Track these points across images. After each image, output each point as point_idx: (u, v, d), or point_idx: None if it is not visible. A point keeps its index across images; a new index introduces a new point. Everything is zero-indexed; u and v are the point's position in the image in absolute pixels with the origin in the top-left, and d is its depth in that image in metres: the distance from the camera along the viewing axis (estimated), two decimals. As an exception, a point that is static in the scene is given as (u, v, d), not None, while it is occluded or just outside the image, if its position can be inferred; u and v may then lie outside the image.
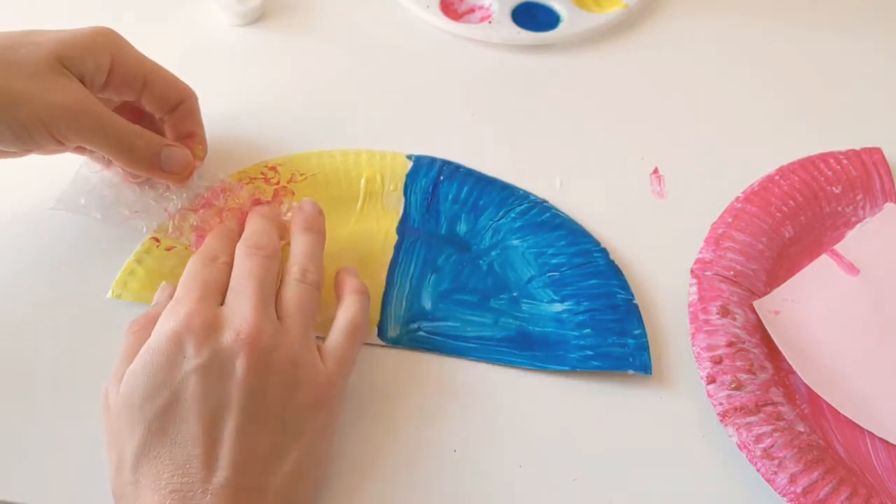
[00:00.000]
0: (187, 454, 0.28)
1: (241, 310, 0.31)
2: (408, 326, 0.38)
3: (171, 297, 0.34)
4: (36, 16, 0.53)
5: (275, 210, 0.38)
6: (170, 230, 0.39)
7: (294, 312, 0.33)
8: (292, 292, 0.33)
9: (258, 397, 0.30)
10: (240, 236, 0.36)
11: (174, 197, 0.39)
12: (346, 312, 0.35)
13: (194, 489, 0.28)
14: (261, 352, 0.30)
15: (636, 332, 0.38)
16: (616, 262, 0.40)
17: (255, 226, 0.36)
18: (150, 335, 0.31)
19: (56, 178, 0.40)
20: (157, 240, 0.39)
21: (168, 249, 0.39)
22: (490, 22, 0.52)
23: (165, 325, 0.31)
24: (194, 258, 0.34)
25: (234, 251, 0.35)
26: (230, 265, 0.34)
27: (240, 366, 0.30)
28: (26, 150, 0.36)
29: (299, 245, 0.36)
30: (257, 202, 0.39)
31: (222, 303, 0.32)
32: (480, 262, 0.41)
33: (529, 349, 0.38)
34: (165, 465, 0.28)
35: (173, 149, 0.37)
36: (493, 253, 0.41)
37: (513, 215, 0.42)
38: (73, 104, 0.34)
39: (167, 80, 0.38)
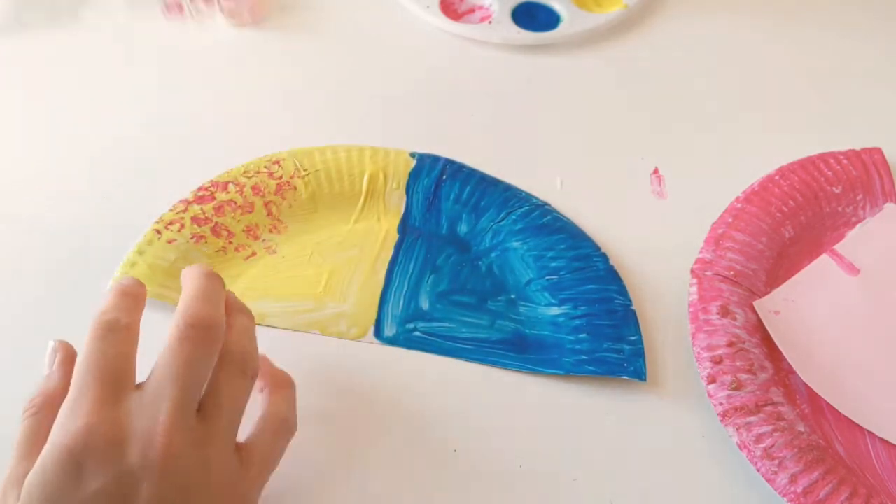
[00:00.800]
0: None
1: (155, 418, 0.27)
2: (404, 326, 0.38)
3: (62, 369, 0.30)
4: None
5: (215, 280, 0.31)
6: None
7: (227, 411, 0.28)
8: (231, 387, 0.29)
9: None
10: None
11: None
12: (274, 407, 0.31)
13: None
14: (169, 477, 0.26)
15: (632, 338, 0.38)
16: (616, 267, 0.40)
17: (199, 286, 0.30)
18: (48, 422, 0.28)
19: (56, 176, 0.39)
20: (158, 231, 0.39)
21: (170, 242, 0.39)
22: (490, 22, 0.52)
23: (61, 438, 0.26)
24: (92, 326, 0.29)
25: (138, 314, 0.30)
26: (134, 331, 0.29)
27: (146, 492, 0.26)
28: None
29: (238, 327, 0.31)
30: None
31: (132, 383, 0.28)
32: (480, 263, 0.41)
33: (524, 352, 0.38)
34: None
35: None
36: (493, 254, 0.41)
37: (514, 217, 0.42)
38: None
39: None
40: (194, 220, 0.40)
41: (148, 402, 0.27)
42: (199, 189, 0.41)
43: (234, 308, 0.32)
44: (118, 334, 0.28)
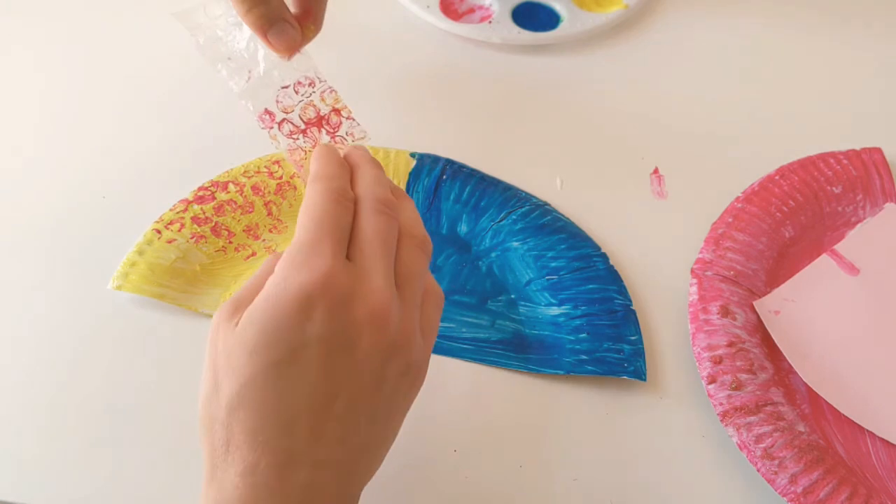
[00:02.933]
0: (294, 419, 0.27)
1: (373, 282, 0.28)
2: None
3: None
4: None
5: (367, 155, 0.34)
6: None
7: (415, 284, 0.30)
8: (416, 259, 0.31)
9: (375, 378, 0.28)
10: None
11: (274, 71, 0.37)
12: (431, 281, 0.32)
13: (294, 457, 0.27)
14: (388, 336, 0.28)
15: (632, 338, 0.38)
16: (616, 267, 0.40)
17: (373, 173, 0.32)
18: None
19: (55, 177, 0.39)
20: (158, 231, 0.39)
21: (169, 242, 0.39)
22: (490, 22, 0.52)
23: (297, 277, 0.27)
24: (318, 188, 0.30)
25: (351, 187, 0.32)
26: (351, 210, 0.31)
27: (366, 347, 0.28)
28: None
29: (408, 210, 0.32)
30: (336, 112, 0.37)
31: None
32: (480, 263, 0.41)
33: (525, 352, 0.38)
34: (267, 421, 0.27)
35: (286, 26, 0.36)
36: (493, 254, 0.41)
37: (514, 217, 0.42)
38: None
39: None
40: (194, 219, 0.40)
41: (364, 267, 0.29)
42: (199, 189, 0.41)
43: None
44: (351, 205, 0.30)
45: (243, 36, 0.38)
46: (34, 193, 0.43)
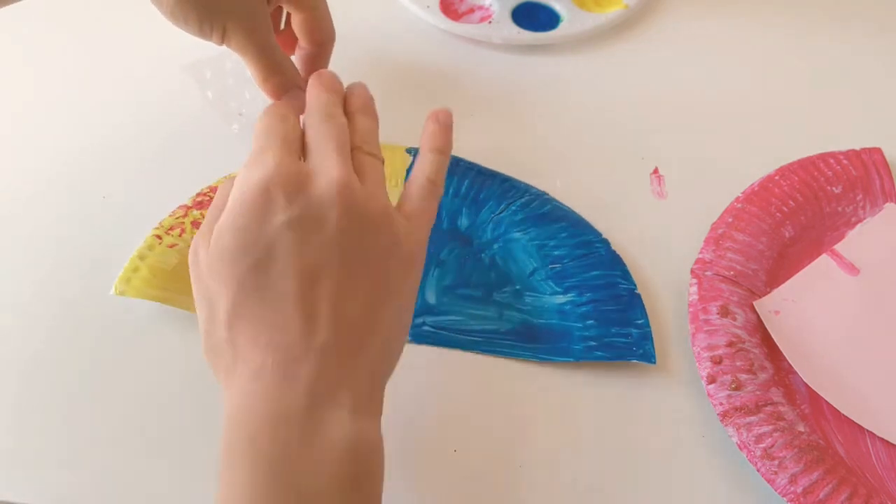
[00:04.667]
0: (286, 312, 0.27)
1: (327, 164, 0.29)
2: (413, 321, 0.38)
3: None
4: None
5: (335, 81, 0.35)
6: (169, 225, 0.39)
7: (372, 175, 0.30)
8: (363, 162, 0.31)
9: (356, 253, 0.28)
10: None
11: None
12: (419, 170, 0.33)
13: (295, 349, 0.27)
14: (354, 203, 0.28)
15: (639, 321, 0.38)
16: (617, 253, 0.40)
17: (321, 96, 0.33)
18: None
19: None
20: (159, 237, 0.39)
21: (171, 246, 0.39)
22: (490, 22, 0.52)
23: (252, 175, 0.28)
24: (264, 115, 0.32)
25: (299, 118, 0.33)
26: (299, 128, 0.32)
27: (335, 219, 0.28)
28: (196, 34, 0.36)
29: (358, 125, 0.33)
30: None
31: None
32: (483, 255, 0.41)
33: (534, 342, 0.38)
34: (263, 323, 0.27)
35: (299, 92, 0.37)
36: (496, 246, 0.41)
37: (514, 208, 0.42)
38: (249, 16, 0.35)
39: (327, 15, 0.40)
40: (195, 224, 0.40)
41: (317, 158, 0.30)
42: (198, 195, 0.41)
43: (356, 108, 0.34)
44: (296, 120, 0.32)
45: (252, 87, 0.38)
46: (34, 203, 0.43)
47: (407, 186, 0.32)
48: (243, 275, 0.27)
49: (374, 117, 0.34)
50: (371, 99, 0.35)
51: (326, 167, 0.29)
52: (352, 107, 0.34)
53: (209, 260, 0.28)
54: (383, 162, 0.33)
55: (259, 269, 0.27)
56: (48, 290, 0.39)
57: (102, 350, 0.37)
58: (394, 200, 0.42)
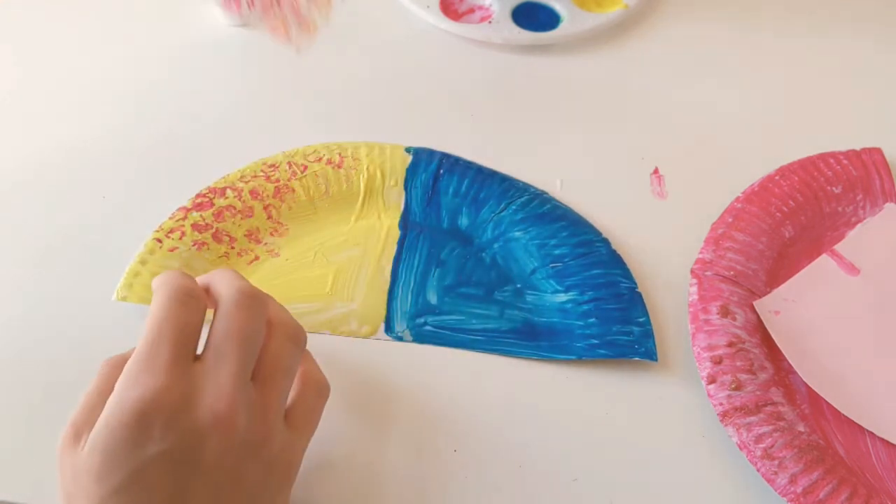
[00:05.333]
0: None
1: (219, 382, 0.28)
2: (414, 321, 0.38)
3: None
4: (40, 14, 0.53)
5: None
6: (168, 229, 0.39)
7: (280, 377, 0.30)
8: (282, 354, 0.30)
9: (233, 483, 0.28)
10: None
11: None
12: (307, 372, 0.32)
13: None
14: (234, 437, 0.27)
15: (640, 319, 0.38)
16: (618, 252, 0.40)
17: (230, 271, 0.32)
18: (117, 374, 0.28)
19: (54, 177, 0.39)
20: (159, 241, 0.39)
21: (171, 250, 0.39)
22: (490, 22, 0.52)
23: (130, 394, 0.27)
24: (158, 293, 0.30)
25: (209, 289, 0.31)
26: (204, 305, 0.30)
27: (213, 450, 0.27)
28: None
29: (276, 305, 0.32)
30: None
31: (195, 353, 0.29)
32: (483, 254, 0.41)
33: (535, 340, 0.38)
34: None
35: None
36: (496, 245, 0.41)
37: (514, 207, 0.42)
38: None
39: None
40: (195, 226, 0.40)
41: (210, 367, 0.28)
42: (197, 196, 0.41)
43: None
44: (196, 303, 0.30)
45: None
46: (35, 209, 0.43)
47: (297, 388, 0.32)
48: (107, 493, 0.27)
49: (297, 342, 0.32)
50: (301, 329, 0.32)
51: (216, 387, 0.28)
52: (276, 318, 0.32)
53: (74, 470, 0.27)
54: (303, 342, 0.31)
55: (122, 492, 0.27)
56: (48, 292, 0.39)
57: (102, 351, 0.37)
58: (393, 200, 0.43)
